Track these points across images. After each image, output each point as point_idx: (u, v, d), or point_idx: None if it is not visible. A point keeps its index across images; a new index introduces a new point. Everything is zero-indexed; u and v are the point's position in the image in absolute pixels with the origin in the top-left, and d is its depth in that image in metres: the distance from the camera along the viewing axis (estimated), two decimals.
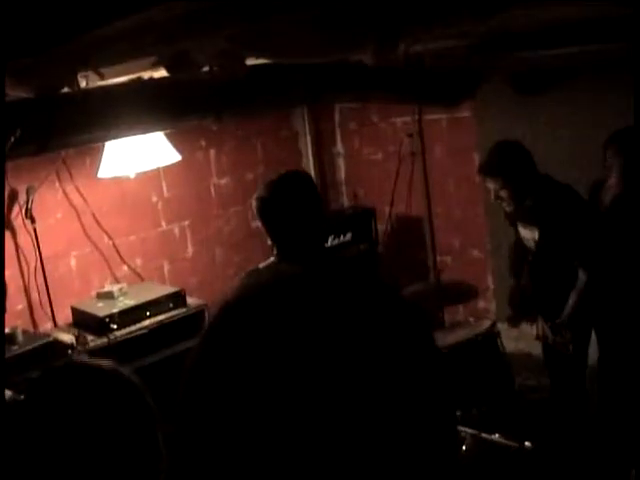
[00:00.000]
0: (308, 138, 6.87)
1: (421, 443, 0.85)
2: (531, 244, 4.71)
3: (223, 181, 6.25)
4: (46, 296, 4.99)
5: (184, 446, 0.89)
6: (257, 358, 0.83)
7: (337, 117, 7.02)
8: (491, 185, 4.53)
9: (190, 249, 6.06)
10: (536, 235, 4.62)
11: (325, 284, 0.91)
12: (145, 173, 5.30)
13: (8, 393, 2.85)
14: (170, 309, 5.04)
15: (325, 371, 0.82)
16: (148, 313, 4.94)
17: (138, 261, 5.73)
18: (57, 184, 5.21)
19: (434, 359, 0.92)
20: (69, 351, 3.73)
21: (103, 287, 5.34)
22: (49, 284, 5.02)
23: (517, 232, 4.87)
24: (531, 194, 4.51)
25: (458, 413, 4.64)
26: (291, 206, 3.19)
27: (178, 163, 5.34)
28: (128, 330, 4.81)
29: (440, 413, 0.89)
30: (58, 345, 4.57)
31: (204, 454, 0.85)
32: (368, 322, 0.87)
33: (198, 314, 5.14)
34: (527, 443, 4.32)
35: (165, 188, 5.87)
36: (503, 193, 4.50)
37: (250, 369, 0.83)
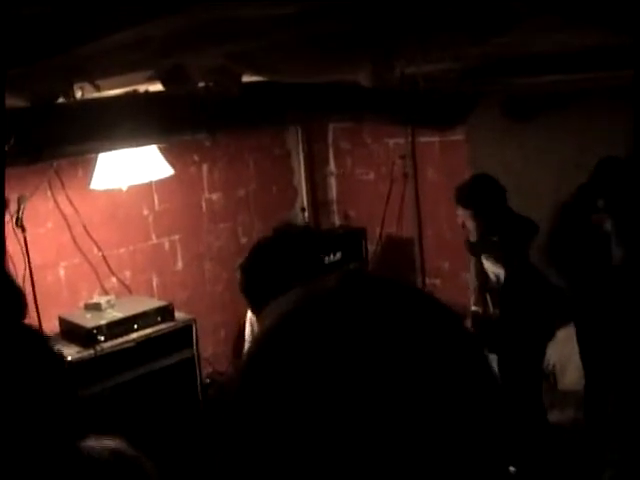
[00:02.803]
0: (301, 157, 6.90)
1: None
2: (493, 277, 4.79)
3: (215, 196, 6.26)
4: (34, 305, 4.97)
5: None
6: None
7: (330, 137, 7.04)
8: (460, 212, 4.63)
9: (180, 263, 6.06)
10: (499, 271, 4.71)
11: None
12: (137, 186, 5.30)
13: None
14: (158, 323, 5.04)
15: None
16: (136, 326, 4.93)
17: (127, 273, 5.72)
18: (49, 194, 5.21)
19: None
20: None
21: (91, 298, 5.33)
22: (37, 293, 5.01)
23: (479, 261, 4.95)
24: (497, 231, 4.58)
25: None
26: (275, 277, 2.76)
27: (170, 177, 5.35)
28: (115, 342, 4.80)
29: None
30: None
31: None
32: None
33: (186, 328, 5.14)
34: (511, 467, 4.32)
35: (157, 202, 5.88)
36: (470, 224, 4.60)
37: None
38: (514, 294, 4.65)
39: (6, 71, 2.12)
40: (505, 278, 4.68)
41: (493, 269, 4.79)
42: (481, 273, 5.03)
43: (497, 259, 4.72)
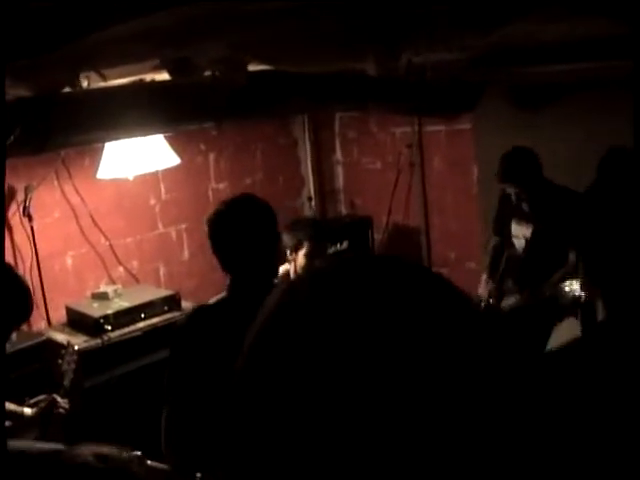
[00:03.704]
0: (307, 146, 6.89)
1: None
2: (521, 243, 4.83)
3: (221, 186, 6.25)
4: (41, 295, 4.99)
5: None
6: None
7: (337, 126, 7.03)
8: (510, 189, 4.71)
9: (186, 253, 6.06)
10: (528, 233, 4.76)
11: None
12: (144, 175, 5.30)
13: None
14: (165, 312, 5.04)
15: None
16: (143, 315, 4.94)
17: (134, 263, 5.73)
18: (56, 183, 5.21)
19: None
20: (59, 361, 3.71)
21: (98, 288, 5.34)
22: (44, 283, 5.03)
23: (503, 234, 5.02)
24: (542, 195, 4.65)
25: None
26: (243, 230, 2.98)
27: (177, 166, 5.35)
28: (122, 332, 4.81)
29: None
30: (51, 344, 4.58)
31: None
32: None
33: None
34: None
35: (163, 191, 5.88)
36: (523, 195, 4.69)
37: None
38: (539, 251, 4.71)
39: (5, 65, 2.12)
40: (533, 233, 4.73)
41: (522, 232, 4.82)
42: (499, 249, 5.07)
43: (528, 219, 4.77)
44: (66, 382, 3.51)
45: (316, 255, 4.86)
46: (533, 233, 4.75)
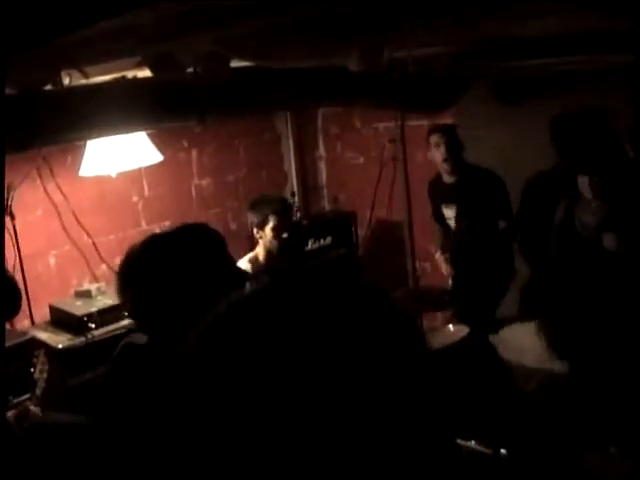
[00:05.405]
0: (290, 141, 6.89)
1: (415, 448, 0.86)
2: (452, 223, 5.08)
3: (204, 182, 6.24)
4: (24, 294, 4.96)
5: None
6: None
7: (320, 121, 7.03)
8: (436, 139, 5.24)
9: None
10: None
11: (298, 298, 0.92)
12: (126, 173, 5.28)
13: None
14: None
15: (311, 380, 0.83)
16: (126, 313, 4.92)
17: (117, 260, 5.67)
18: (38, 181, 5.19)
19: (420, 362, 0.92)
20: (31, 369, 3.61)
21: (81, 286, 5.32)
22: (27, 282, 5.00)
23: (440, 219, 5.48)
24: (460, 169, 5.17)
25: None
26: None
27: (160, 163, 5.32)
28: (106, 329, 4.78)
29: (431, 418, 0.89)
30: (35, 343, 4.55)
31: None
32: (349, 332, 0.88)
33: None
34: (502, 450, 4.35)
35: (146, 188, 5.86)
36: (442, 148, 5.20)
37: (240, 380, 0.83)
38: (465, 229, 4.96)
39: (6, 64, 2.11)
40: (457, 214, 4.98)
41: (452, 213, 5.07)
42: (445, 235, 5.48)
43: (452, 200, 5.26)
44: (38, 391, 3.47)
45: (283, 228, 4.91)
46: (457, 211, 5.03)
